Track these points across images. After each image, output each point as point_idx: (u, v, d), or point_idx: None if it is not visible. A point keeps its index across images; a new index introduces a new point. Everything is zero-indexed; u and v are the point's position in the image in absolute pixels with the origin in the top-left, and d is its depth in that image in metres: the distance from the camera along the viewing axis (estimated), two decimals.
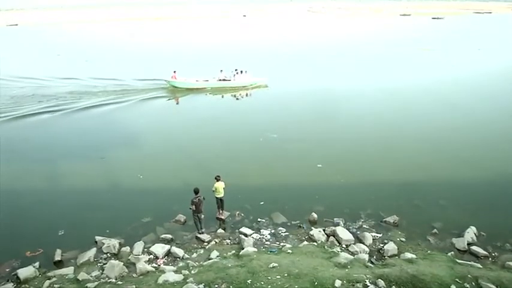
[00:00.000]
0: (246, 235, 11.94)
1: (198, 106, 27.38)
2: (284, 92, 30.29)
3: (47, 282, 9.85)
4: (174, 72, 30.63)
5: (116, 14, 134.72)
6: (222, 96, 29.80)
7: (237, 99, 29.40)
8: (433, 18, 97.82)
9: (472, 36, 63.97)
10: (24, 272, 10.25)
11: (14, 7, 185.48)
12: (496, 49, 50.21)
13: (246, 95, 29.96)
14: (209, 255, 11.01)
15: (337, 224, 12.53)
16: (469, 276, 8.97)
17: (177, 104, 28.67)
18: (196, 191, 11.96)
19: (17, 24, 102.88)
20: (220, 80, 30.94)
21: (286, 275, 9.13)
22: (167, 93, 30.07)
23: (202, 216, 12.21)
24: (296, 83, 32.89)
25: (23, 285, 9.88)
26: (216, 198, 12.89)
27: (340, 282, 8.74)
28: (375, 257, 10.91)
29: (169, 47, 56.96)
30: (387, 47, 51.58)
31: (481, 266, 10.03)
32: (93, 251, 11.34)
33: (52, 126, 22.78)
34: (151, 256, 11.15)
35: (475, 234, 11.78)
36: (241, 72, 31.09)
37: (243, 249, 11.04)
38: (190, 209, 11.97)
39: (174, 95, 29.91)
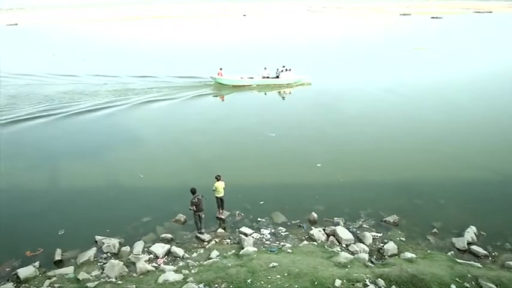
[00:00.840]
0: (246, 235, 11.94)
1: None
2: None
3: (47, 282, 9.86)
4: (220, 69, 31.09)
5: (116, 13, 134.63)
6: (265, 94, 30.23)
7: (282, 97, 29.75)
8: (432, 17, 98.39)
9: (468, 35, 64.07)
10: (24, 272, 10.25)
11: (14, 6, 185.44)
12: (491, 49, 50.10)
13: (290, 92, 30.35)
14: (209, 255, 11.01)
15: (337, 224, 12.53)
16: (469, 275, 8.97)
17: (223, 101, 28.96)
18: (193, 191, 11.94)
19: (16, 24, 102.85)
20: (264, 77, 31.33)
21: (286, 274, 9.13)
22: (212, 90, 30.57)
23: (203, 215, 12.21)
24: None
25: (23, 285, 9.88)
26: (216, 197, 12.89)
27: (340, 281, 8.74)
28: (374, 256, 10.92)
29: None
30: (382, 47, 51.67)
31: (480, 266, 10.05)
32: (93, 250, 11.35)
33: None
34: (152, 256, 11.15)
35: (475, 233, 11.79)
36: (286, 70, 31.40)
37: (243, 248, 11.04)
38: (191, 209, 11.97)
39: (219, 92, 30.40)
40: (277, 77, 31.46)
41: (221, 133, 21.03)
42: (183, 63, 40.63)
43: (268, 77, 31.36)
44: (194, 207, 11.88)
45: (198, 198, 11.91)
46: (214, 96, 29.60)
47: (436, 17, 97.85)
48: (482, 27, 77.20)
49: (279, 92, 30.28)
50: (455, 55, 45.11)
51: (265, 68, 31.66)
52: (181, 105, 26.62)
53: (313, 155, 17.68)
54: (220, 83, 31.32)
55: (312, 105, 26.15)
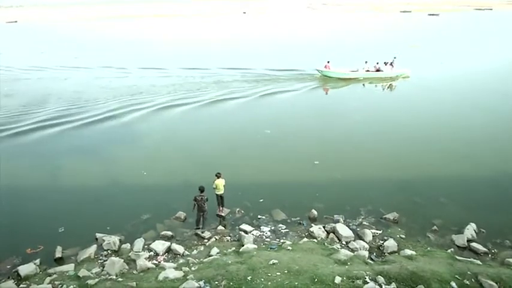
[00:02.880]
0: (246, 232, 11.96)
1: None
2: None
3: (48, 279, 9.88)
4: (328, 62, 32.07)
5: (116, 12, 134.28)
6: (363, 85, 30.86)
7: (383, 89, 30.34)
8: (429, 14, 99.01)
9: (464, 32, 64.01)
10: (24, 269, 10.27)
11: (13, 4, 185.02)
12: (481, 46, 49.76)
13: (391, 85, 30.89)
14: (209, 252, 11.03)
15: (337, 221, 12.54)
16: (468, 272, 8.98)
17: (327, 94, 29.34)
18: (201, 189, 12.00)
19: (16, 21, 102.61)
20: (367, 70, 32.08)
21: (286, 271, 9.14)
22: (318, 83, 31.16)
23: (206, 216, 12.32)
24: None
25: (23, 282, 9.89)
26: (216, 195, 12.91)
27: (340, 278, 8.76)
28: (374, 253, 10.93)
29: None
30: (377, 44, 51.71)
31: (480, 263, 10.07)
32: (94, 247, 11.36)
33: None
34: (152, 253, 11.18)
35: (474, 231, 11.80)
36: (388, 63, 32.13)
37: (243, 246, 11.06)
38: (195, 204, 12.05)
39: (324, 84, 31.02)
40: (378, 70, 32.18)
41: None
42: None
43: (368, 70, 32.18)
44: (195, 203, 11.98)
45: (202, 197, 11.95)
46: (332, 88, 30.25)
47: (433, 14, 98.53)
48: (478, 24, 76.99)
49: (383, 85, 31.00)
50: (445, 52, 44.84)
51: (366, 62, 32.40)
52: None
53: (310, 150, 17.69)
54: (326, 76, 32.09)
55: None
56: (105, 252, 11.30)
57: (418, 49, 47.30)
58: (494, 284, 8.53)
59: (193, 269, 9.94)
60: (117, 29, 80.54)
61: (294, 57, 42.10)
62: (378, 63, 32.36)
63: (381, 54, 37.13)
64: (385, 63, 32.14)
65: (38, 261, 10.81)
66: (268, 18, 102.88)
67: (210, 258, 10.55)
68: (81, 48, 52.58)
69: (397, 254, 10.72)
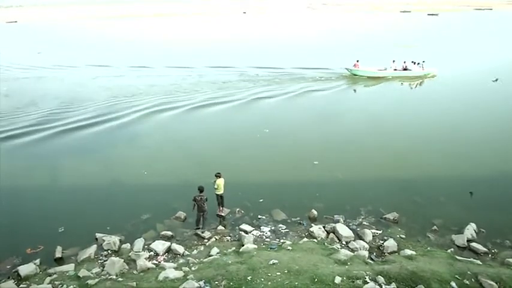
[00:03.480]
0: (246, 232, 11.96)
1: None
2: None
3: (48, 279, 9.88)
4: (357, 61, 32.70)
5: (116, 12, 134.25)
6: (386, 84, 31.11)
7: (411, 88, 30.74)
8: (428, 14, 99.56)
9: (463, 32, 64.17)
10: (24, 269, 10.28)
11: (13, 4, 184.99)
12: (475, 46, 49.69)
13: (420, 84, 31.25)
14: (209, 252, 11.03)
15: (337, 221, 12.54)
16: (468, 272, 8.98)
17: (355, 91, 29.78)
18: (201, 189, 12.02)
19: (16, 21, 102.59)
20: (395, 69, 32.64)
21: (286, 271, 9.15)
22: (346, 81, 31.70)
23: (206, 216, 12.33)
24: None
25: (23, 282, 9.89)
26: (216, 195, 12.91)
27: (340, 278, 8.76)
28: (374, 253, 10.93)
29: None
30: (368, 43, 52.28)
31: (480, 263, 10.07)
32: (94, 247, 11.36)
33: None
34: (152, 253, 11.17)
35: (474, 231, 11.80)
36: (417, 63, 32.57)
37: (243, 245, 11.06)
38: (195, 204, 12.06)
39: (353, 82, 31.51)
40: (405, 69, 32.61)
41: None
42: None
43: (396, 69, 32.70)
44: (194, 203, 12.00)
45: (201, 197, 11.96)
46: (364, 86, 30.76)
47: (432, 14, 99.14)
48: (476, 24, 77.00)
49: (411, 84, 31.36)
50: (439, 52, 44.79)
51: (393, 61, 32.89)
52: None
53: (309, 150, 17.68)
54: (355, 75, 32.64)
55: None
56: (105, 252, 11.30)
57: (413, 49, 47.38)
58: (494, 284, 8.54)
59: (193, 269, 9.94)
60: (118, 28, 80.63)
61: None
62: (405, 62, 32.79)
63: (407, 54, 37.80)
64: (413, 63, 32.55)
65: (38, 261, 10.81)
66: (270, 18, 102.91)
67: (210, 258, 10.55)
68: (80, 48, 52.61)
69: (397, 254, 10.73)
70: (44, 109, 24.59)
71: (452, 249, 11.02)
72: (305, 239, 11.58)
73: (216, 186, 12.70)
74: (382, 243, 11.32)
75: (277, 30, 73.68)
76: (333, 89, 29.35)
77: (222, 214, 13.17)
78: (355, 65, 32.64)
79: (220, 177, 12.74)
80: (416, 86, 30.90)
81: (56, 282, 9.69)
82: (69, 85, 31.24)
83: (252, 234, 11.93)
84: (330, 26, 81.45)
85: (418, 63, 32.47)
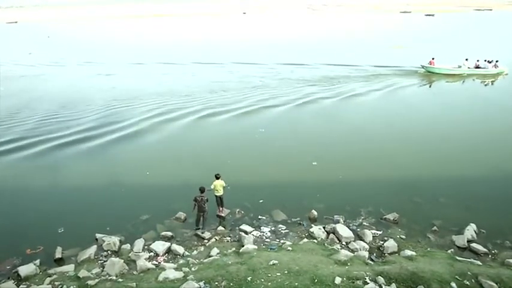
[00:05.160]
0: (246, 232, 11.96)
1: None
2: None
3: (48, 280, 9.88)
4: (433, 59, 33.41)
5: (115, 11, 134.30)
6: (463, 82, 31.76)
7: (485, 85, 31.22)
8: (425, 15, 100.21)
9: (458, 32, 64.14)
10: (24, 270, 10.28)
11: (14, 4, 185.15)
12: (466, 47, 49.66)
13: (492, 82, 31.61)
14: (209, 253, 11.03)
15: (337, 222, 12.53)
16: (468, 273, 8.98)
17: (430, 87, 30.44)
18: (202, 190, 12.01)
19: (16, 22, 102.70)
20: (468, 67, 33.15)
21: (286, 272, 9.15)
22: (420, 78, 32.62)
23: (206, 216, 12.32)
24: None
25: (23, 283, 9.90)
26: (216, 196, 12.90)
27: (340, 279, 8.76)
28: (374, 254, 10.93)
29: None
30: (360, 44, 52.61)
31: (480, 263, 10.06)
32: (94, 248, 11.36)
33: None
34: (152, 253, 11.17)
35: (474, 231, 11.79)
36: (490, 61, 32.99)
37: (243, 246, 11.06)
38: (195, 204, 12.06)
39: (428, 79, 32.27)
40: (477, 67, 33.02)
41: None
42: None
43: (469, 67, 33.09)
44: (195, 203, 12.01)
45: (202, 198, 11.96)
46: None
47: (429, 15, 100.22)
48: (472, 25, 77.00)
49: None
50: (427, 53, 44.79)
51: (466, 59, 33.32)
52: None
53: (307, 152, 17.68)
54: (431, 72, 33.32)
55: None
56: (105, 252, 11.30)
57: (403, 50, 47.69)
58: (494, 284, 8.54)
59: (193, 269, 9.94)
60: (122, 28, 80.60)
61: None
62: (478, 60, 33.18)
63: (480, 52, 38.14)
64: (487, 61, 32.85)
65: (38, 261, 10.81)
66: (273, 18, 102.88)
67: (210, 258, 10.55)
68: (79, 48, 52.63)
69: (397, 254, 10.72)
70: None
71: (452, 249, 11.01)
72: (305, 240, 11.58)
73: (212, 187, 12.68)
74: (382, 244, 11.31)
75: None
76: (414, 85, 30.31)
77: (222, 215, 13.16)
78: (430, 63, 33.38)
79: (219, 179, 12.73)
80: (492, 83, 31.40)
81: (56, 283, 9.68)
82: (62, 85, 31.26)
83: (252, 234, 11.92)
84: (337, 27, 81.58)
85: (491, 61, 32.79)
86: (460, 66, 33.18)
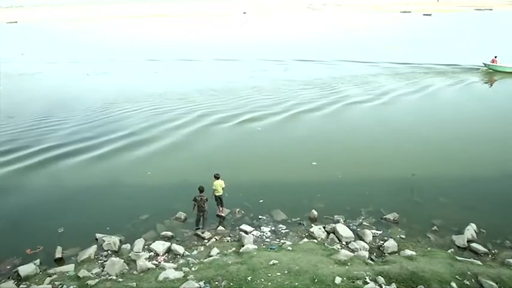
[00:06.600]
0: (246, 232, 11.96)
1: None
2: None
3: (48, 280, 9.88)
4: (495, 57, 34.07)
5: (115, 11, 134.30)
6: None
7: None
8: (423, 14, 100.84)
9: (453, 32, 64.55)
10: (24, 269, 10.28)
11: (14, 4, 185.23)
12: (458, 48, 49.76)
13: None
14: (209, 253, 11.03)
15: (337, 221, 12.53)
16: (468, 273, 8.98)
17: (491, 86, 31.22)
18: (201, 190, 12.01)
19: (16, 22, 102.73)
20: None
21: (286, 272, 9.14)
22: (482, 76, 33.37)
23: (206, 216, 12.32)
24: None
25: (23, 283, 9.89)
26: (215, 196, 12.89)
27: (340, 279, 8.76)
28: (374, 254, 10.92)
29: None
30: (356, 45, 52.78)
31: (481, 263, 10.05)
32: (94, 248, 11.35)
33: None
34: (152, 253, 11.17)
35: (475, 231, 11.79)
36: None
37: (243, 246, 11.05)
38: (195, 204, 12.06)
39: (490, 77, 33.06)
40: None
41: None
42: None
43: None
44: (195, 203, 12.02)
45: (201, 197, 11.96)
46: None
47: (427, 15, 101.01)
48: (469, 25, 77.04)
49: None
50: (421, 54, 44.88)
51: None
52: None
53: (308, 150, 17.66)
54: (494, 70, 33.93)
55: None
56: (105, 252, 11.30)
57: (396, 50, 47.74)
58: (494, 284, 8.53)
59: (193, 269, 9.94)
60: (123, 28, 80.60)
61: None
62: None
63: None
64: None
65: (38, 261, 10.81)
66: (274, 19, 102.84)
67: (210, 258, 10.54)
68: (77, 47, 52.63)
69: (397, 254, 10.71)
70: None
71: (452, 249, 11.00)
72: (305, 240, 11.58)
73: (214, 188, 12.68)
74: (382, 244, 11.31)
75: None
76: (477, 82, 31.20)
77: (222, 214, 13.15)
78: (493, 61, 33.82)
79: (219, 179, 12.72)
80: None
81: (56, 283, 9.68)
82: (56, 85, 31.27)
83: (252, 234, 11.92)
84: (340, 26, 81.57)
85: None
86: None
